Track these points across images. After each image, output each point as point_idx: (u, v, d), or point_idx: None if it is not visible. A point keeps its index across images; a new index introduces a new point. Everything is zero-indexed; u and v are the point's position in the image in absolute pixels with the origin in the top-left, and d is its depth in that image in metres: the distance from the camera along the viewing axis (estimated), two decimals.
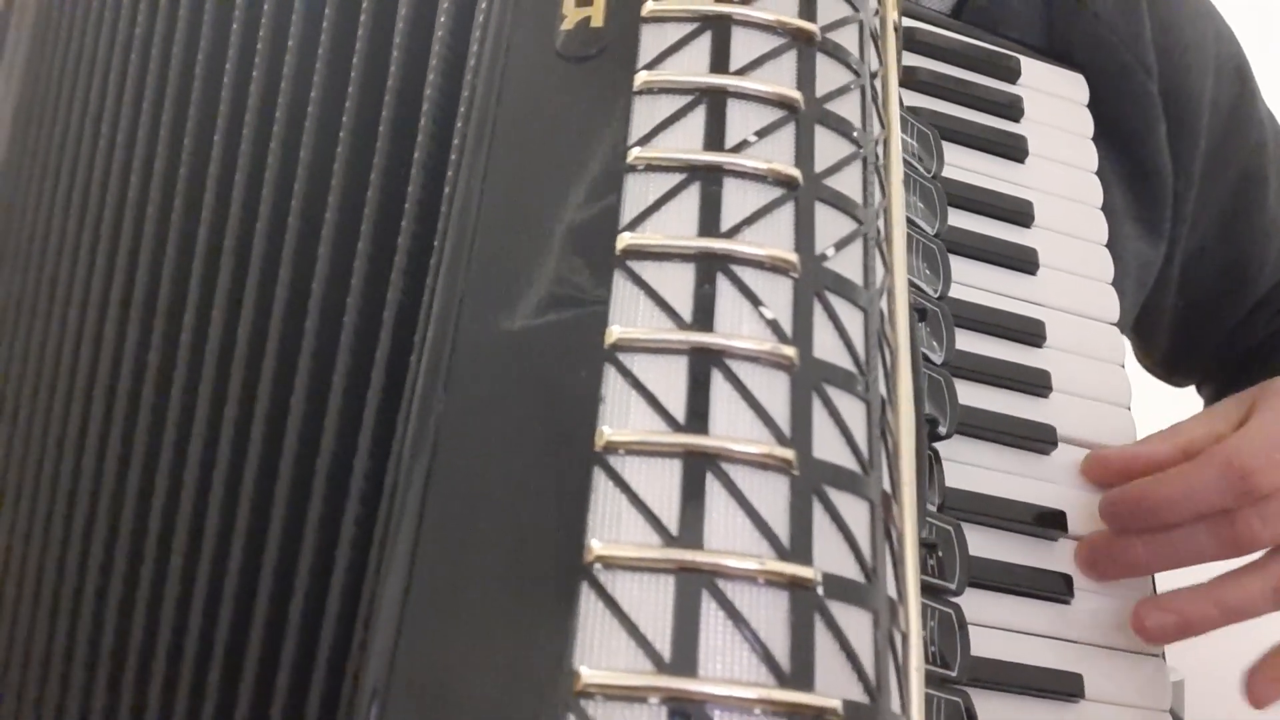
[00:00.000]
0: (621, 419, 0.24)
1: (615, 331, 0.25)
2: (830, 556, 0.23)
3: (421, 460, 0.24)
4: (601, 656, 0.21)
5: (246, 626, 0.30)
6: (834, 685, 0.22)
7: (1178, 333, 0.64)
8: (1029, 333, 0.46)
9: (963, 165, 0.49)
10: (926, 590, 0.36)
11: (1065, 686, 0.40)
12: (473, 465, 0.24)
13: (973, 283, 0.47)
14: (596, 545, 0.22)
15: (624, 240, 0.26)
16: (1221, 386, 0.68)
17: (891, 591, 0.25)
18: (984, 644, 0.39)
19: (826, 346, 0.25)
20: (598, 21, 0.29)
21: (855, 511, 0.24)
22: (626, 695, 0.21)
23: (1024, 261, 0.48)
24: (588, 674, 0.21)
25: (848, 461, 0.25)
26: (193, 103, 0.38)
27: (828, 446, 0.24)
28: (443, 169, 0.30)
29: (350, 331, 0.30)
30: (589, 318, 0.25)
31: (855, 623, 0.23)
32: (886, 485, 0.26)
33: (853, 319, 0.26)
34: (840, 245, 0.27)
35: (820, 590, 0.23)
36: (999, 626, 0.41)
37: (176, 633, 0.32)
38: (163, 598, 0.33)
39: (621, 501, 0.23)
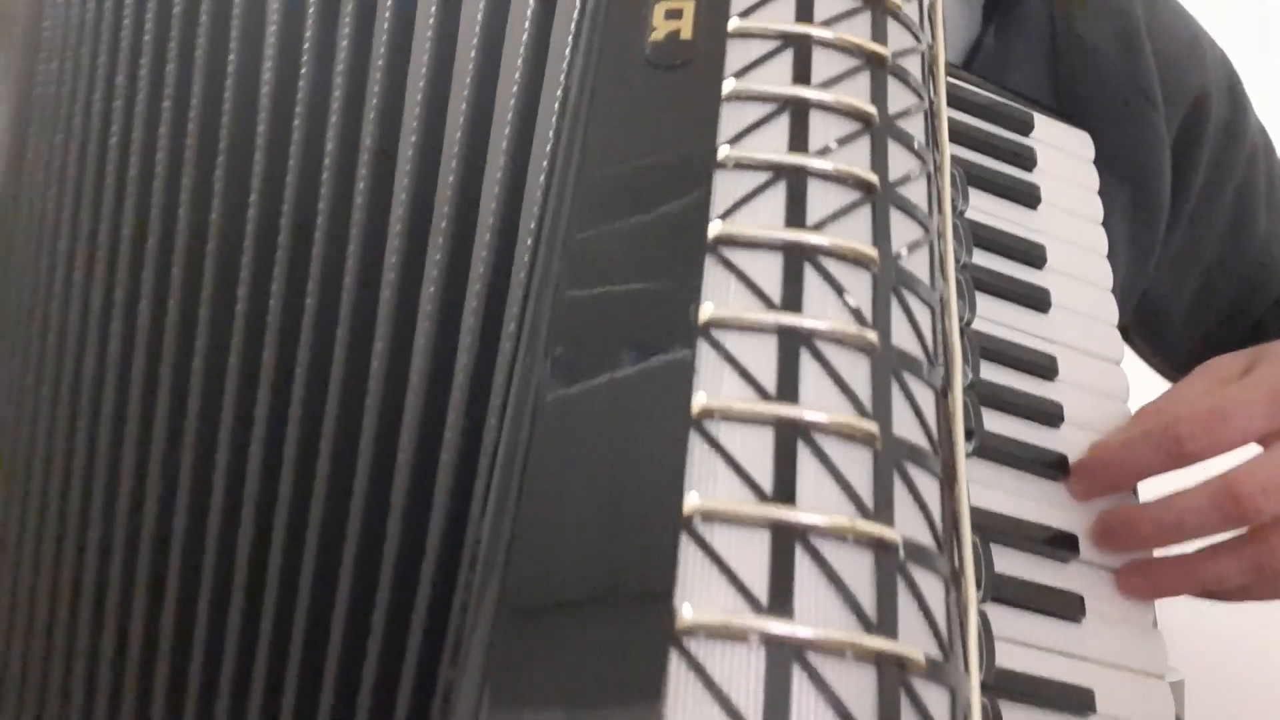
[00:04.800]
0: (715, 389, 0.26)
1: (709, 310, 0.27)
2: (909, 524, 0.25)
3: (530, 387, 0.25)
4: None
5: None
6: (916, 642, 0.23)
7: (1204, 336, 0.67)
8: (1043, 366, 0.49)
9: (981, 207, 0.52)
10: None
11: (1077, 700, 0.42)
12: (576, 423, 0.25)
13: (990, 316, 0.49)
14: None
15: (716, 228, 0.28)
16: None
17: (955, 563, 0.26)
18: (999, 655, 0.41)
19: (902, 335, 0.27)
20: (686, 34, 0.31)
21: (928, 488, 0.26)
22: None
23: (1038, 300, 0.51)
24: None
25: (921, 441, 0.26)
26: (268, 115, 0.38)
27: (904, 425, 0.26)
28: (524, 160, 0.32)
29: (432, 314, 0.31)
30: (682, 297, 0.27)
31: (930, 586, 0.25)
32: (949, 468, 0.28)
33: (923, 314, 0.29)
34: (912, 247, 0.29)
35: (901, 554, 0.24)
36: (1012, 640, 0.43)
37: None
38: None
39: (718, 463, 0.24)
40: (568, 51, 0.32)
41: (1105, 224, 0.55)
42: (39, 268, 0.45)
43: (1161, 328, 0.66)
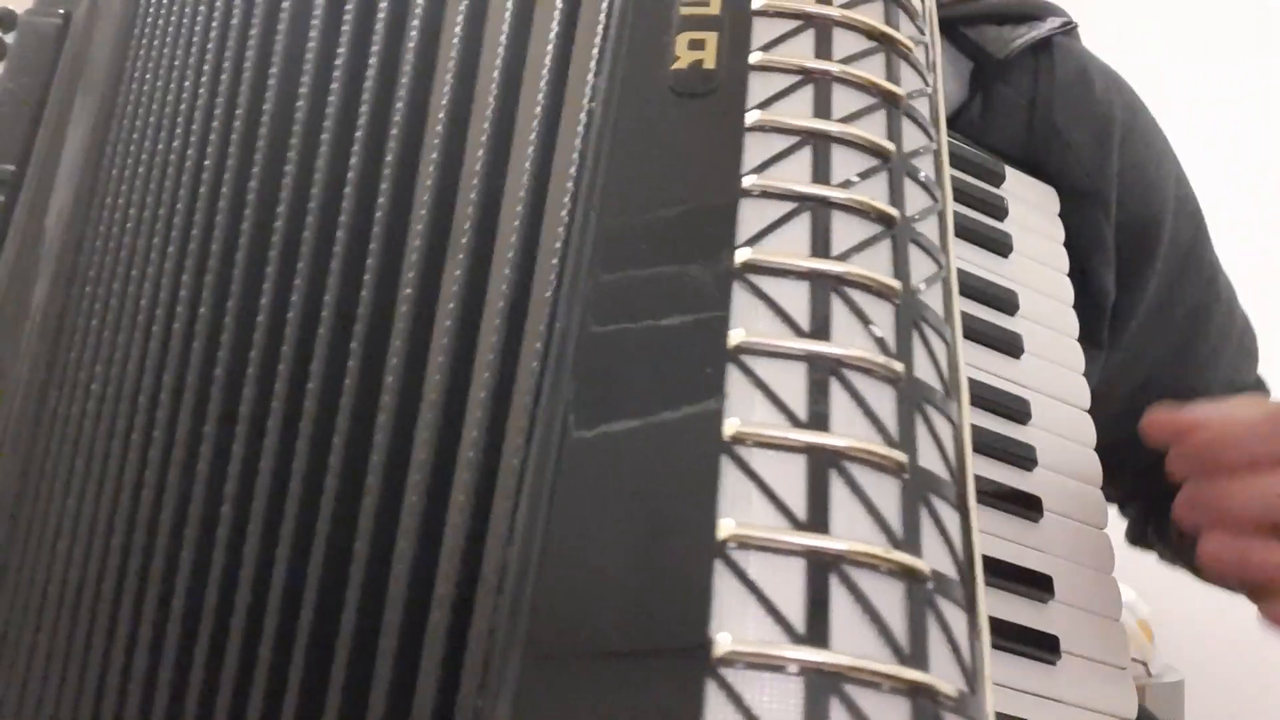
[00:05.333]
0: (747, 414, 0.25)
1: (739, 334, 0.26)
2: (935, 556, 0.25)
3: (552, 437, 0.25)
4: None
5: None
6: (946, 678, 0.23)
7: (1109, 451, 0.68)
8: (1017, 410, 0.50)
9: (958, 254, 0.53)
10: None
11: None
12: (608, 440, 0.25)
13: (967, 360, 0.50)
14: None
15: (743, 255, 0.28)
16: (1144, 509, 0.72)
17: (973, 595, 0.26)
18: None
19: (923, 368, 0.28)
20: (710, 64, 0.32)
21: (949, 516, 0.26)
22: None
23: (1011, 345, 0.52)
24: None
25: (942, 471, 0.27)
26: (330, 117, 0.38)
27: (928, 457, 0.26)
28: (545, 180, 0.32)
29: (451, 330, 0.31)
30: (711, 322, 0.27)
31: (955, 618, 0.25)
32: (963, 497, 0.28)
33: (939, 347, 0.29)
34: (929, 281, 0.30)
35: (930, 584, 0.24)
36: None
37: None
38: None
39: (751, 489, 0.24)
40: (590, 76, 0.32)
41: None
42: (104, 260, 0.43)
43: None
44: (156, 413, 0.36)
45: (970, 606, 0.26)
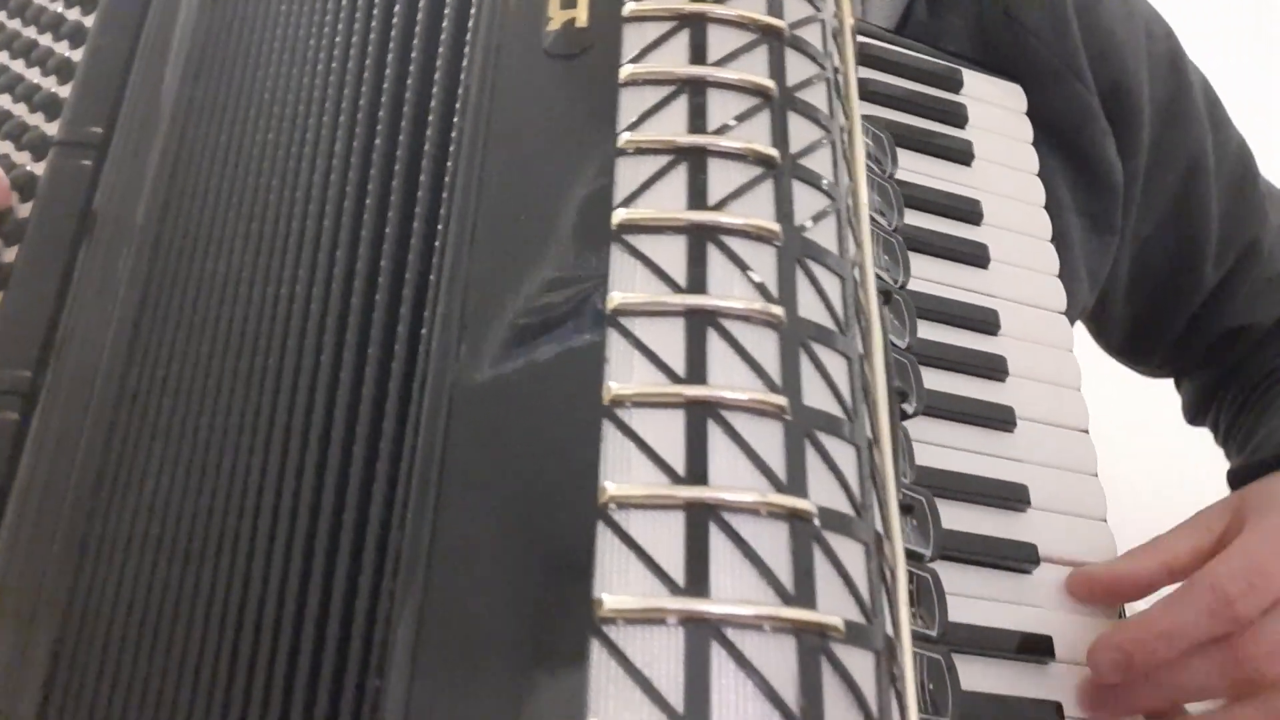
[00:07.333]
0: (625, 376, 0.26)
1: (616, 298, 0.27)
2: (824, 493, 0.25)
3: (439, 420, 0.26)
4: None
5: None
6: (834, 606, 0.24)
7: (1134, 317, 0.67)
8: (984, 321, 0.49)
9: (914, 168, 0.52)
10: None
11: (1037, 648, 0.42)
12: (488, 424, 0.26)
13: (929, 276, 0.49)
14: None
15: (619, 216, 0.28)
16: (1182, 372, 0.72)
17: (879, 527, 0.27)
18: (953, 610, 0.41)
19: (809, 307, 0.28)
20: (582, 22, 0.31)
21: (844, 455, 0.26)
22: None
23: (976, 256, 0.51)
24: None
25: (834, 409, 0.27)
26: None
27: (816, 395, 0.26)
28: (443, 163, 0.32)
29: (357, 315, 0.31)
30: (590, 287, 0.27)
31: (849, 552, 0.25)
32: (869, 433, 0.28)
33: (831, 283, 0.29)
34: (816, 218, 0.29)
35: (817, 523, 0.24)
36: (964, 594, 0.43)
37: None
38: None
39: (631, 449, 0.25)
40: (466, 49, 0.32)
41: (1047, 189, 0.55)
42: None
43: (1106, 308, 0.66)
44: (227, 398, 0.37)
45: (873, 538, 0.26)
